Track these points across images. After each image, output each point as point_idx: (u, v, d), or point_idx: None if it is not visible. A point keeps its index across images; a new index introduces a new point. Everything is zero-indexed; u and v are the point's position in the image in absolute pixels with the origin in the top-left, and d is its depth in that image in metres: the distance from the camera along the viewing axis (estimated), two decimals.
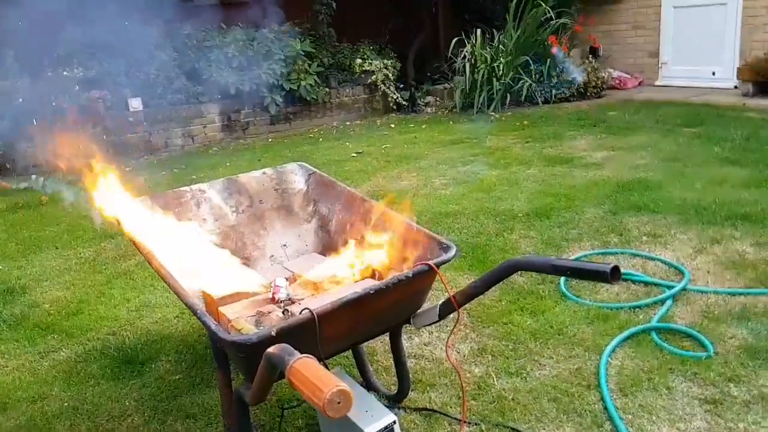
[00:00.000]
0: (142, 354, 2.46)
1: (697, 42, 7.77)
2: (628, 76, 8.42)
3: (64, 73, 6.34)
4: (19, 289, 3.23)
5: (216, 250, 2.04)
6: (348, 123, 8.14)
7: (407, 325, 1.86)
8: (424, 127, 7.28)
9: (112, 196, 1.97)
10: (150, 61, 6.78)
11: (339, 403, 0.97)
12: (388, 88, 8.36)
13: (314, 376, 1.01)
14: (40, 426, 2.05)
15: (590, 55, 8.64)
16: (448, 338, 2.31)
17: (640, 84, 8.42)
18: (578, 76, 7.56)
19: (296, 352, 1.15)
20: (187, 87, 7.10)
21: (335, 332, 1.58)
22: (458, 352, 2.31)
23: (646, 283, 2.74)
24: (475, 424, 1.89)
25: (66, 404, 2.17)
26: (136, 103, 6.77)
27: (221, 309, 1.82)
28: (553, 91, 7.71)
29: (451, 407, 1.98)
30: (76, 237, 4.03)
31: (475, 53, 7.70)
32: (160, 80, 6.84)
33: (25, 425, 2.06)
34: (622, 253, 3.07)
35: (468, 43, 7.81)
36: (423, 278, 1.69)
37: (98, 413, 2.10)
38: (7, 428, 2.05)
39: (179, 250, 1.91)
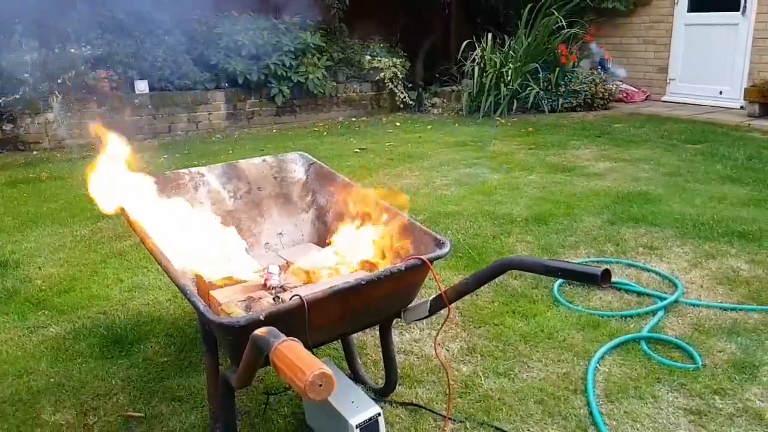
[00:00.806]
0: (132, 335, 2.46)
1: (707, 60, 7.77)
2: (636, 90, 8.43)
3: (72, 50, 6.33)
4: (12, 264, 3.23)
5: (222, 230, 2.03)
6: (353, 119, 8.14)
7: (398, 319, 1.86)
8: (429, 127, 7.28)
9: (115, 172, 1.97)
10: (158, 43, 6.78)
11: (321, 385, 0.96)
12: (396, 86, 8.35)
13: (297, 358, 1.01)
14: (25, 400, 2.05)
15: (599, 67, 8.64)
16: (437, 335, 2.31)
17: (647, 98, 8.42)
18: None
19: (282, 335, 1.15)
20: (194, 72, 7.09)
21: (324, 321, 1.57)
22: (448, 350, 2.31)
23: (639, 293, 2.74)
24: (460, 421, 1.89)
25: (52, 380, 2.17)
26: (142, 86, 6.76)
27: (212, 293, 1.82)
28: (560, 100, 7.71)
29: (437, 404, 1.98)
30: (73, 215, 4.03)
31: (485, 57, 7.70)
32: (168, 64, 6.83)
33: (9, 399, 2.06)
34: (617, 263, 3.07)
35: (478, 46, 7.81)
36: (415, 272, 1.69)
37: (84, 390, 2.10)
38: None
39: (180, 229, 1.90)
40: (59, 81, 6.11)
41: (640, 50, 8.56)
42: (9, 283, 2.99)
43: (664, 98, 8.32)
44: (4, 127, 6.14)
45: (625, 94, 8.32)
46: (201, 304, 1.46)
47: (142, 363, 2.26)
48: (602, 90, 7.85)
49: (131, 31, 6.69)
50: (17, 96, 5.97)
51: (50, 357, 2.32)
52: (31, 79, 6.00)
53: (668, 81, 8.31)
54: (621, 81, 8.43)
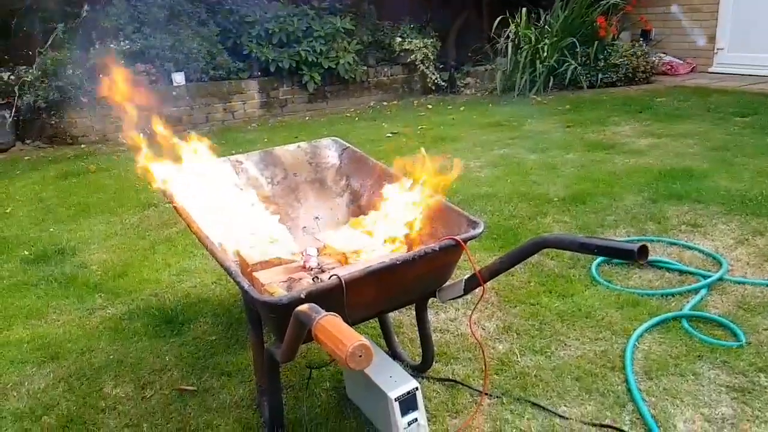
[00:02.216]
0: (182, 315, 2.59)
1: (757, 28, 7.38)
2: (680, 62, 8.10)
3: (111, 45, 6.55)
4: (69, 251, 3.43)
5: (265, 213, 2.12)
6: (385, 103, 8.15)
7: (433, 299, 1.90)
8: (462, 109, 7.22)
9: (162, 162, 2.08)
10: (193, 35, 6.93)
11: (360, 356, 1.02)
12: (428, 68, 8.28)
13: (338, 331, 1.07)
14: (89, 375, 2.20)
15: (641, 39, 8.34)
16: (472, 313, 2.34)
17: (692, 70, 8.09)
18: None
19: (323, 310, 1.21)
20: (228, 63, 7.22)
21: (361, 299, 1.63)
22: (483, 329, 2.34)
23: (681, 272, 2.69)
24: (497, 397, 1.93)
25: (111, 357, 2.32)
26: (179, 78, 6.93)
27: (255, 274, 1.91)
28: (599, 76, 7.49)
29: (473, 380, 2.02)
30: (121, 204, 4.22)
31: (519, 33, 7.54)
32: (203, 55, 6.98)
33: (75, 374, 2.21)
34: (658, 241, 3.02)
35: (512, 22, 7.65)
36: (449, 252, 1.73)
37: (140, 366, 2.24)
38: (59, 375, 2.21)
39: (226, 212, 2.00)
40: (101, 76, 6.34)
41: (686, 19, 8.21)
42: (67, 269, 3.18)
43: (710, 69, 7.97)
44: (53, 122, 6.43)
45: (668, 67, 8.01)
46: (246, 285, 1.54)
47: (192, 341, 2.39)
48: (644, 63, 7.58)
49: (167, 24, 6.86)
50: (64, 92, 6.23)
51: (108, 336, 2.47)
52: (76, 75, 6.25)
53: (715, 51, 7.95)
54: (664, 53, 8.13)
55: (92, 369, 2.24)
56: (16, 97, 6.29)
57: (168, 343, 2.38)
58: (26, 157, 6.01)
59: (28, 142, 6.54)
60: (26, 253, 3.43)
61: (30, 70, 6.31)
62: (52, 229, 3.81)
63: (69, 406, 2.02)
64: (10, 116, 6.30)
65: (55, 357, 2.34)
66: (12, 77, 6.37)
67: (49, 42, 6.42)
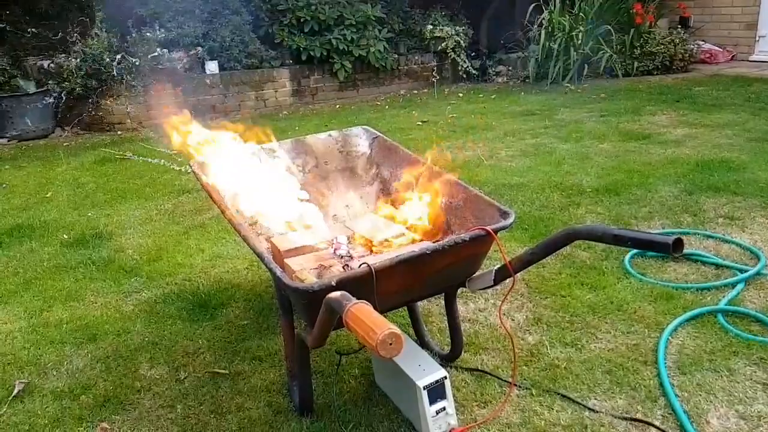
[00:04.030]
0: (215, 299, 2.65)
1: None
2: (720, 50, 7.83)
3: (147, 34, 6.67)
4: (106, 235, 3.53)
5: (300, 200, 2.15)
6: (415, 91, 8.10)
7: (463, 288, 1.90)
8: (493, 97, 7.13)
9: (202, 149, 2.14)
10: (226, 23, 7.00)
11: (391, 344, 1.03)
12: (459, 56, 8.19)
13: (369, 319, 1.08)
14: (125, 356, 2.28)
15: (679, 26, 8.07)
16: (502, 303, 2.33)
17: (732, 58, 7.82)
18: None
19: (354, 298, 1.22)
20: (260, 51, 7.28)
21: (391, 288, 1.64)
22: (513, 320, 2.33)
23: (717, 266, 2.62)
24: (526, 388, 1.92)
25: (146, 339, 2.39)
26: (212, 66, 7.03)
27: (286, 261, 1.93)
28: (635, 64, 7.30)
29: (502, 370, 2.02)
30: (156, 190, 4.32)
31: (553, 20, 7.39)
32: (236, 44, 7.05)
33: (112, 355, 2.29)
34: (694, 234, 2.94)
35: (546, 9, 7.50)
36: (480, 243, 1.72)
37: (175, 349, 2.31)
38: (97, 356, 2.29)
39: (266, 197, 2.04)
40: (137, 64, 6.47)
41: (726, 5, 7.90)
42: (105, 252, 3.28)
43: (751, 58, 7.69)
44: (90, 109, 6.61)
45: (707, 55, 7.76)
46: (278, 271, 1.57)
47: (225, 325, 2.44)
48: (682, 51, 7.36)
49: (201, 13, 6.94)
50: (102, 79, 6.39)
51: (144, 319, 2.55)
52: (113, 63, 6.39)
53: (757, 38, 7.66)
54: (703, 40, 7.85)
55: (128, 350, 2.31)
56: (55, 85, 6.48)
57: (201, 327, 2.44)
58: (65, 144, 6.20)
59: (67, 128, 6.73)
60: (65, 236, 3.55)
61: (69, 59, 6.49)
62: (90, 214, 3.93)
63: (106, 386, 2.09)
64: (50, 103, 6.49)
65: (92, 338, 2.42)
66: (52, 65, 6.56)
67: (88, 31, 6.57)
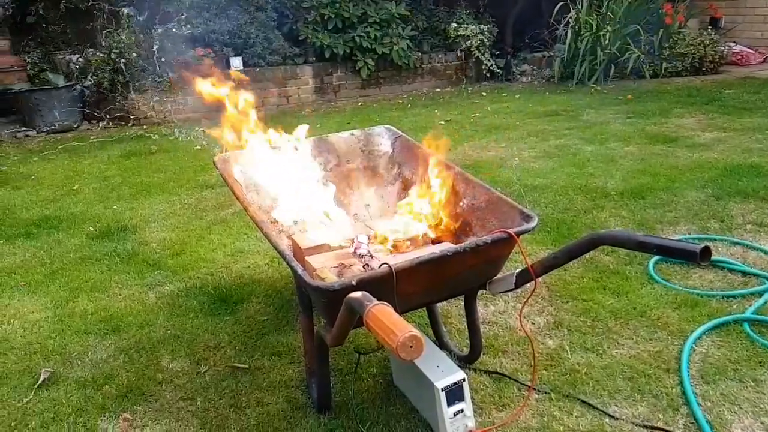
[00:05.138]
0: (236, 294, 2.68)
1: None
2: (752, 51, 7.63)
3: (173, 30, 6.75)
4: (131, 228, 3.60)
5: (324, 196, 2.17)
6: (438, 90, 8.07)
7: (483, 291, 1.89)
8: (517, 97, 7.06)
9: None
10: (251, 20, 7.05)
11: (411, 347, 1.03)
12: (483, 54, 8.13)
13: (390, 321, 1.08)
14: (147, 348, 2.32)
15: (710, 26, 7.89)
16: (522, 306, 2.31)
17: (765, 60, 7.62)
18: None
19: (374, 299, 1.22)
20: (284, 48, 7.32)
21: (411, 289, 1.64)
22: (533, 324, 2.31)
23: (745, 273, 2.56)
24: (545, 392, 1.90)
25: (168, 332, 2.43)
26: (237, 62, 7.08)
27: (307, 258, 1.95)
28: (664, 65, 7.16)
29: (521, 374, 2.01)
30: (180, 185, 4.38)
31: (580, 20, 7.29)
32: (260, 40, 7.10)
33: (134, 346, 2.33)
34: (721, 240, 2.88)
35: (573, 8, 7.40)
36: (501, 245, 1.71)
37: (196, 342, 2.34)
38: (120, 347, 2.33)
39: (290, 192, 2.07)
40: (163, 60, 6.56)
41: (759, 5, 7.70)
42: (129, 245, 3.34)
43: None
44: (116, 104, 6.72)
45: (739, 57, 7.57)
46: (299, 269, 1.58)
47: (245, 320, 2.47)
48: (712, 52, 7.19)
49: (226, 9, 7.01)
50: (128, 74, 6.50)
51: (166, 312, 2.59)
52: (140, 58, 6.49)
53: None
54: (735, 41, 7.67)
55: (150, 343, 2.35)
56: (83, 79, 6.61)
57: (222, 321, 2.48)
58: (92, 137, 6.32)
59: (93, 122, 6.86)
60: (91, 229, 3.62)
61: (96, 53, 6.61)
62: (115, 207, 4.00)
63: (129, 377, 2.13)
64: (77, 97, 6.63)
65: (116, 329, 2.47)
66: (80, 59, 6.69)
67: (115, 25, 6.68)
